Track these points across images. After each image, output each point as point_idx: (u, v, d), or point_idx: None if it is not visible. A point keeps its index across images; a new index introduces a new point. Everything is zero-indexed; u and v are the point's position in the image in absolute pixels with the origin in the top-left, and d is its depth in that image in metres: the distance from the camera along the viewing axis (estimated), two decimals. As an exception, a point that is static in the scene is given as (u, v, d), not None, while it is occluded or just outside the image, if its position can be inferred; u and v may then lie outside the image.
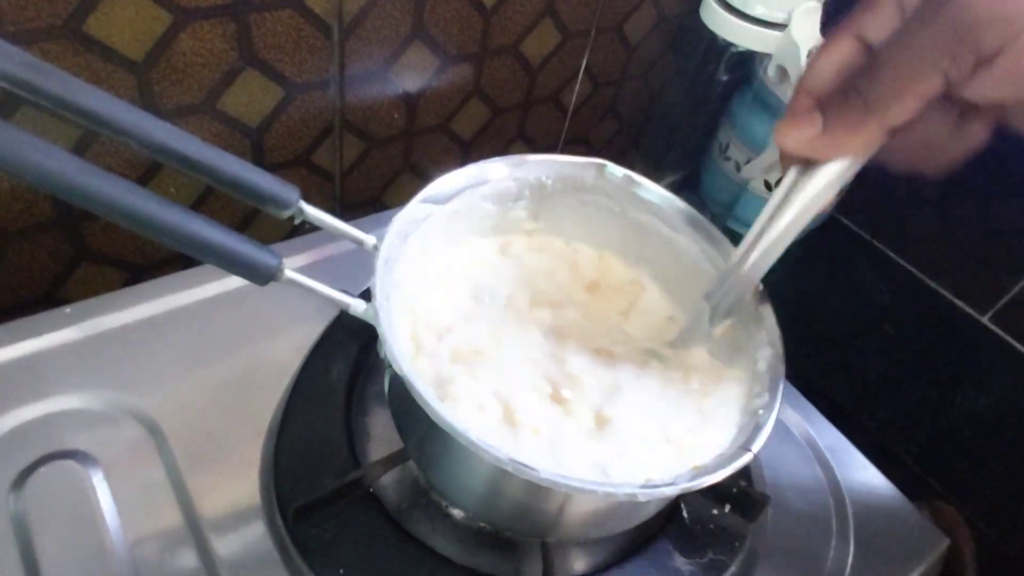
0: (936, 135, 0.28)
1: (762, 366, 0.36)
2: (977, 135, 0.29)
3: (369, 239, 0.35)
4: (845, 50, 0.29)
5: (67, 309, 0.45)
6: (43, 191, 0.26)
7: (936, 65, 0.25)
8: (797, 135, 0.28)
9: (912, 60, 0.25)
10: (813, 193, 0.30)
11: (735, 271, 0.35)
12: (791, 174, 0.31)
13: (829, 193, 0.30)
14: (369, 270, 0.33)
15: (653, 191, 0.41)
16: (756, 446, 0.32)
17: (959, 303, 0.82)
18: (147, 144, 0.30)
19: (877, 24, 0.28)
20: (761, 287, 0.38)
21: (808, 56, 0.57)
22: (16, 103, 0.42)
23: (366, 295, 0.33)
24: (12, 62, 0.27)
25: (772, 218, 0.32)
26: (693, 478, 0.31)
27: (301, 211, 0.33)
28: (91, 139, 0.46)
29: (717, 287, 0.37)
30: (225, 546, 0.38)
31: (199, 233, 0.29)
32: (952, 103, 0.27)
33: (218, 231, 0.30)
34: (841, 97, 0.27)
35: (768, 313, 0.37)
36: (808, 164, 0.30)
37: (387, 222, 0.36)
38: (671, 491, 0.31)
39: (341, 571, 0.36)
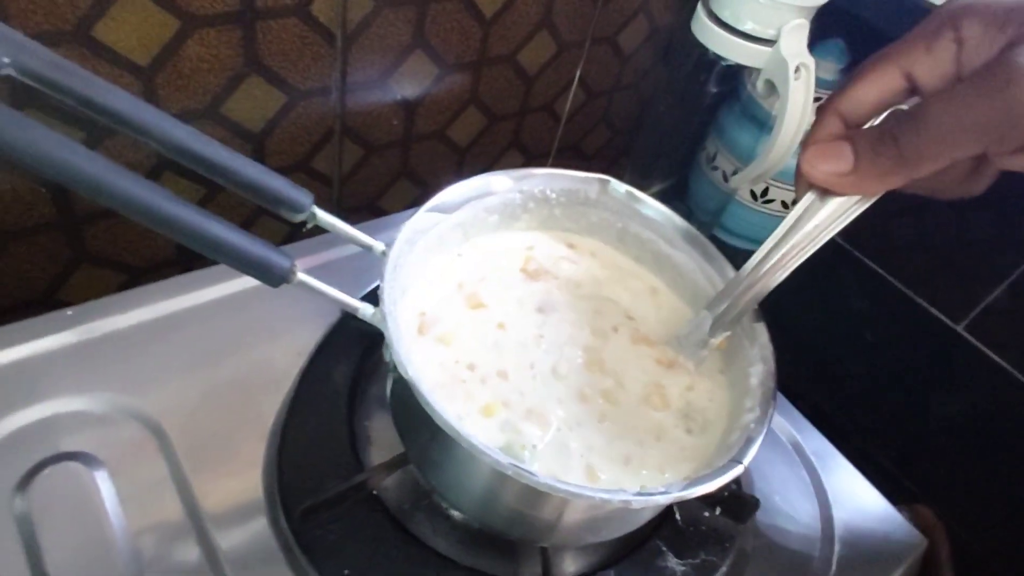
0: (951, 179, 0.28)
1: (754, 381, 0.37)
2: (988, 180, 0.29)
3: (378, 244, 0.35)
4: (889, 83, 0.28)
5: (69, 311, 0.45)
6: (69, 188, 0.27)
7: (981, 140, 0.25)
8: (825, 168, 0.28)
9: (959, 128, 0.25)
10: (826, 218, 0.31)
11: (741, 285, 0.36)
12: (808, 198, 0.31)
13: (842, 222, 0.31)
14: (368, 275, 0.34)
15: (654, 208, 0.42)
16: (746, 460, 0.33)
17: (935, 312, 0.84)
18: (166, 144, 0.30)
19: (930, 66, 0.27)
20: (756, 307, 0.40)
21: (797, 71, 0.59)
22: (23, 104, 0.42)
23: (369, 297, 0.34)
24: (39, 61, 0.27)
25: (784, 238, 0.33)
26: (685, 488, 0.32)
27: (314, 215, 0.34)
28: (95, 143, 0.46)
29: (720, 300, 0.37)
30: (229, 546, 0.38)
31: (215, 232, 0.29)
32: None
33: (233, 232, 0.30)
34: (876, 139, 0.27)
35: (762, 330, 0.39)
36: (826, 193, 0.30)
37: (387, 228, 0.37)
38: (664, 499, 0.32)
39: (346, 572, 0.37)
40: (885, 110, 0.29)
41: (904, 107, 0.28)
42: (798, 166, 0.30)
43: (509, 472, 0.29)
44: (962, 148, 0.25)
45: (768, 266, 0.34)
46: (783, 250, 0.33)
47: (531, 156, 0.73)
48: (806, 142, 0.30)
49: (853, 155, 0.28)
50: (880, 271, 0.88)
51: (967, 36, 0.25)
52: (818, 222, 0.31)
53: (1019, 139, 0.24)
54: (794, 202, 0.32)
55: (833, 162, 0.28)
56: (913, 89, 0.28)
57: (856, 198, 0.30)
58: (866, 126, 0.29)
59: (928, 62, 0.27)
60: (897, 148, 0.26)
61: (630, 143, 0.82)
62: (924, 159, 0.26)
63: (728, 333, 0.38)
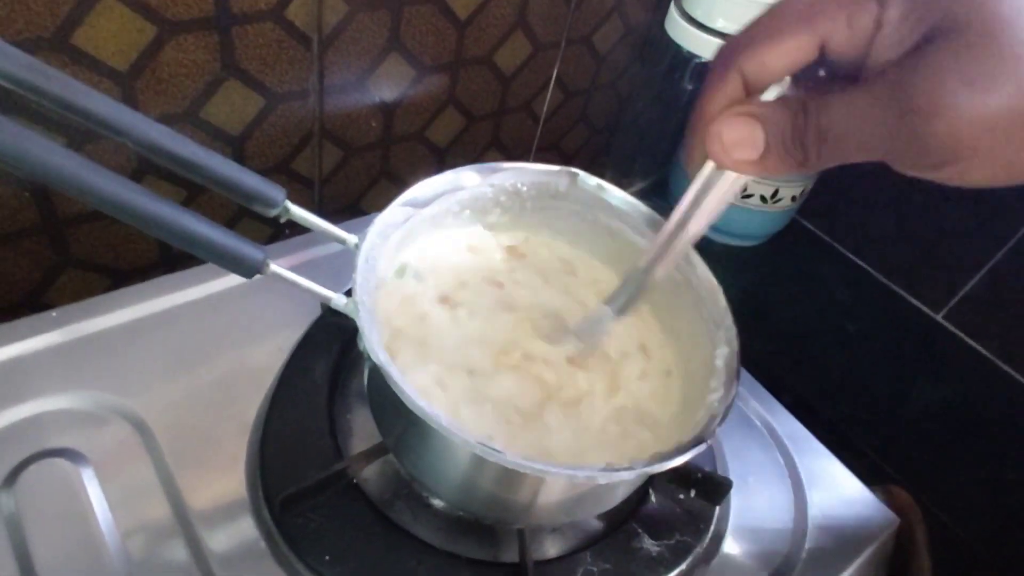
0: None
1: (719, 363, 0.39)
2: None
3: (351, 237, 0.37)
4: (804, 52, 0.26)
5: (53, 313, 0.46)
6: (47, 184, 0.28)
7: (881, 151, 0.24)
8: (737, 156, 0.27)
9: (864, 138, 0.24)
10: (721, 197, 0.31)
11: (640, 278, 0.37)
12: (706, 172, 0.31)
13: (734, 194, 0.31)
14: (346, 275, 0.35)
15: (621, 198, 0.44)
16: (710, 436, 0.34)
17: (914, 301, 0.86)
18: (143, 144, 0.31)
19: (847, 38, 0.25)
20: (720, 291, 0.41)
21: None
22: (5, 110, 0.43)
23: (348, 295, 0.35)
24: (16, 64, 0.28)
25: (684, 220, 0.33)
26: (649, 464, 0.33)
27: (287, 210, 0.35)
28: (75, 147, 0.47)
29: (619, 293, 0.38)
30: (214, 538, 0.39)
31: (190, 227, 0.30)
32: None
33: (207, 226, 0.31)
34: (789, 139, 0.26)
35: (726, 313, 0.40)
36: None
37: (365, 226, 0.38)
38: (629, 475, 0.32)
39: (327, 558, 0.38)
40: (790, 74, 0.27)
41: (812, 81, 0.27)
42: (705, 141, 0.28)
43: (477, 450, 0.30)
44: (864, 155, 0.25)
45: (668, 252, 0.35)
46: (688, 234, 0.34)
47: (511, 156, 0.74)
48: (704, 106, 0.28)
49: (764, 144, 0.27)
50: (860, 263, 0.90)
51: (889, 15, 0.24)
52: (714, 202, 0.31)
53: (914, 160, 0.24)
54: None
55: (746, 150, 0.27)
56: (822, 58, 0.26)
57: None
58: (767, 95, 0.28)
59: (846, 34, 0.25)
60: (804, 152, 0.26)
61: (610, 142, 0.83)
62: (826, 162, 0.26)
63: (625, 316, 0.40)
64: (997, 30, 0.22)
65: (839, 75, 0.26)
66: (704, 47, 0.66)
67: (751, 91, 0.28)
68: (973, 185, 0.25)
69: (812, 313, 0.85)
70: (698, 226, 0.33)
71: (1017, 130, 0.22)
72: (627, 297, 0.39)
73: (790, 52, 0.26)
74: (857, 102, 0.24)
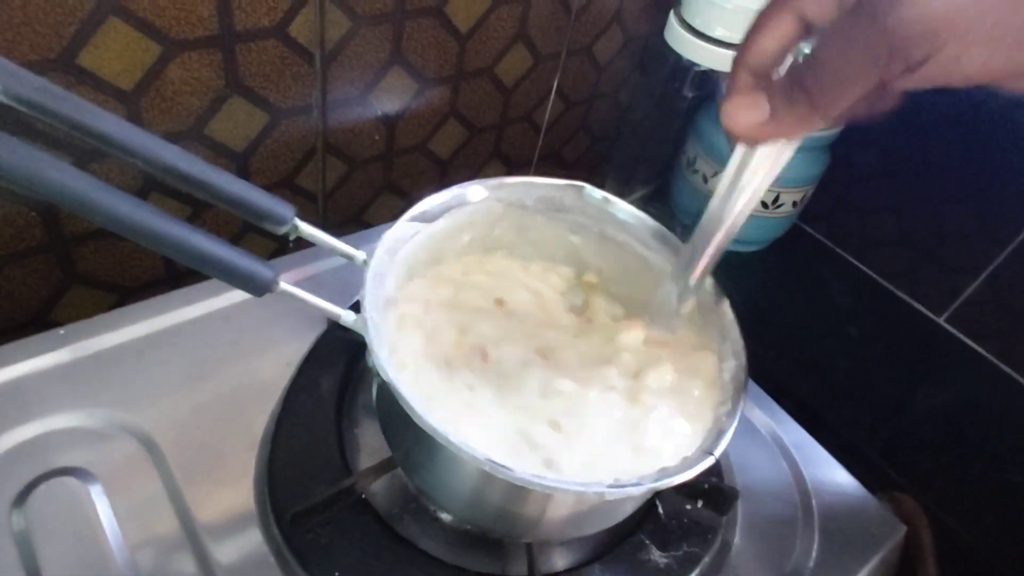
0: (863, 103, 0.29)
1: (726, 376, 0.39)
2: (895, 99, 0.30)
3: (359, 254, 0.37)
4: (785, 28, 0.29)
5: (61, 331, 0.46)
6: (59, 205, 0.28)
7: (872, 69, 0.26)
8: (745, 120, 0.29)
9: (851, 62, 0.26)
10: (760, 167, 0.31)
11: (696, 252, 0.37)
12: (739, 150, 0.32)
13: (776, 167, 0.31)
14: (352, 288, 0.35)
15: (628, 211, 0.44)
16: (717, 451, 0.34)
17: (916, 305, 0.86)
18: (153, 164, 0.32)
19: (815, 5, 0.28)
20: (727, 303, 0.41)
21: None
22: (12, 132, 0.43)
23: (355, 308, 0.35)
24: (27, 87, 0.29)
25: (727, 194, 0.33)
26: (658, 479, 0.33)
27: (296, 227, 0.35)
28: (83, 166, 0.47)
29: (680, 269, 0.39)
30: (223, 554, 0.39)
31: (201, 246, 0.31)
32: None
33: (218, 245, 0.31)
34: (787, 88, 0.28)
35: (733, 326, 0.40)
36: (755, 142, 0.31)
37: (371, 240, 0.38)
38: (637, 491, 0.33)
39: (336, 573, 0.38)
40: (787, 54, 0.30)
41: (806, 49, 0.29)
42: (721, 122, 0.30)
43: (486, 467, 0.30)
44: (860, 81, 0.26)
45: (721, 228, 0.35)
46: (730, 207, 0.34)
47: (513, 166, 0.74)
48: (723, 98, 0.30)
49: (769, 105, 0.28)
50: (862, 267, 0.90)
51: None
52: (754, 172, 0.32)
53: (902, 61, 0.25)
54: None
55: (752, 112, 0.29)
56: (809, 28, 0.29)
57: (781, 142, 0.31)
58: (775, 76, 0.30)
59: (813, 2, 0.28)
60: (805, 93, 0.27)
61: (610, 150, 0.83)
62: (831, 98, 0.27)
63: (695, 299, 0.40)
64: None
65: None
66: (703, 55, 0.66)
67: (761, 77, 0.30)
68: (985, 77, 0.25)
69: (814, 317, 0.85)
70: (743, 203, 0.33)
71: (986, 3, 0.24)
72: (688, 276, 0.38)
73: (775, 34, 0.29)
74: (839, 29, 0.27)
